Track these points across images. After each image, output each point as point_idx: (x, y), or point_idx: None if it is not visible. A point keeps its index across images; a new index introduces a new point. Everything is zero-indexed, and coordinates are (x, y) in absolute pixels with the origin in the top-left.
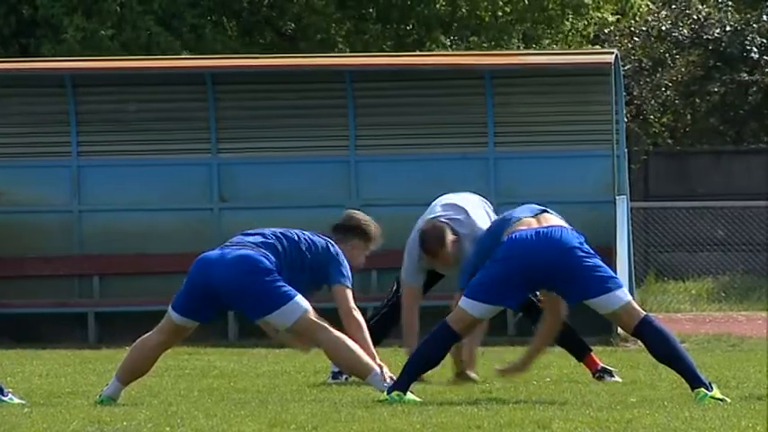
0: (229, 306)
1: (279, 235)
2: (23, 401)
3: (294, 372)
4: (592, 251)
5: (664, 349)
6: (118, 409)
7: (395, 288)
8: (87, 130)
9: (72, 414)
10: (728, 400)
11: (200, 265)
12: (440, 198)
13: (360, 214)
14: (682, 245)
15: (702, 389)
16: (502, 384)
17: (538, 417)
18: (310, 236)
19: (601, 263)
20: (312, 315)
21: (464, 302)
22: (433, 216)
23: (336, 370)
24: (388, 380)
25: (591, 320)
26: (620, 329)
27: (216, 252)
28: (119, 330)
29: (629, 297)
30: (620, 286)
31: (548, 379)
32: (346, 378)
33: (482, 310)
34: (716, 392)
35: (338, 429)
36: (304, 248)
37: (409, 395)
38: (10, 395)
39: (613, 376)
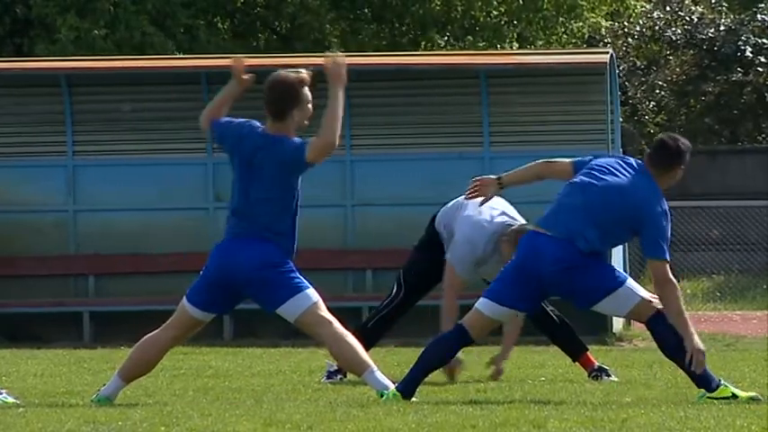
0: (247, 296)
1: (256, 206)
2: (18, 401)
3: (289, 371)
4: (589, 261)
5: (673, 345)
6: (113, 408)
7: (395, 290)
8: (83, 129)
9: (67, 414)
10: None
11: (218, 257)
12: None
13: (273, 83)
14: (677, 244)
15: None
16: (497, 384)
17: (533, 416)
18: (273, 184)
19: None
20: (320, 308)
21: (480, 303)
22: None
23: (332, 369)
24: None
25: (586, 320)
26: (615, 329)
27: (230, 242)
28: (114, 330)
29: (641, 293)
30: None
31: (543, 378)
32: (341, 377)
33: (496, 312)
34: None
35: (333, 429)
36: (277, 197)
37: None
38: (4, 394)
39: (610, 375)
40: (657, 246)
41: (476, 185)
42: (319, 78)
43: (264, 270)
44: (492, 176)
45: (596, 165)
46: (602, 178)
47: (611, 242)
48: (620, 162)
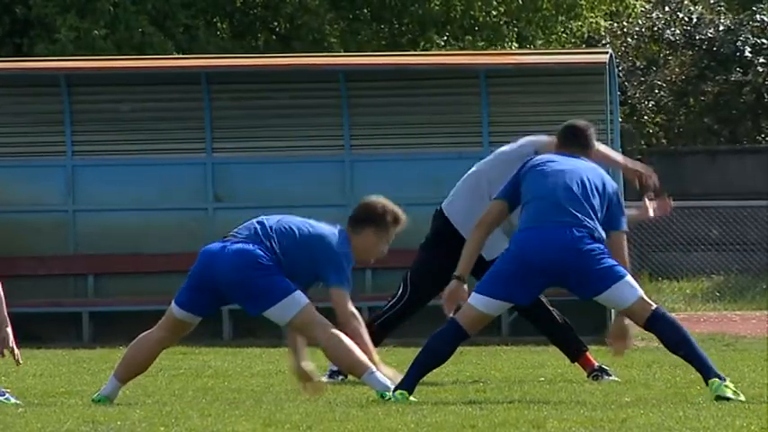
0: (230, 299)
1: (275, 228)
2: (18, 401)
3: (289, 371)
4: (599, 246)
5: (676, 340)
6: (112, 408)
7: (400, 290)
8: (82, 129)
9: (66, 414)
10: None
11: (203, 259)
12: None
13: (373, 200)
14: (676, 244)
15: (716, 379)
16: (496, 384)
17: (532, 416)
18: (311, 228)
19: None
20: (312, 311)
21: (473, 298)
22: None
23: (334, 369)
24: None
25: (586, 320)
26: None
27: (217, 245)
28: (113, 330)
29: (640, 291)
30: (624, 277)
31: (542, 378)
32: (342, 378)
33: (490, 306)
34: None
35: (332, 429)
36: (300, 242)
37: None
38: (7, 395)
39: (610, 375)
40: (622, 218)
41: (450, 303)
42: (309, 78)
43: (247, 271)
44: (452, 285)
45: (543, 162)
46: (566, 170)
47: (602, 225)
48: (557, 154)
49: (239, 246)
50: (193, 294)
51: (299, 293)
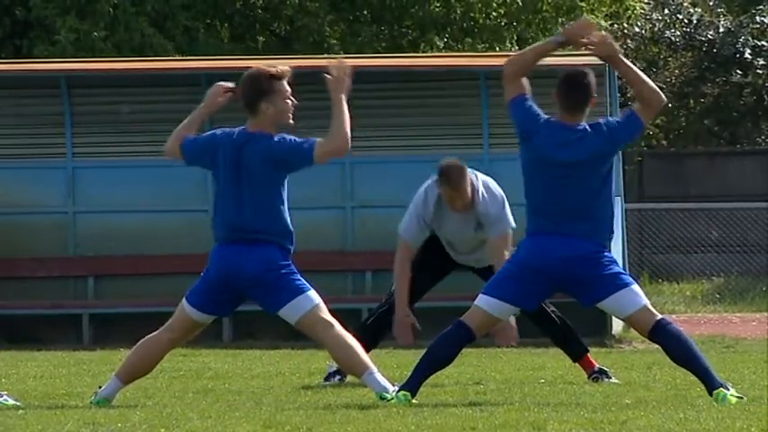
0: (249, 297)
1: None
2: (18, 402)
3: (289, 373)
4: (607, 255)
5: (681, 352)
6: (112, 410)
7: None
8: (82, 131)
9: (67, 415)
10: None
11: (219, 260)
12: None
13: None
14: (676, 246)
15: (722, 389)
16: (497, 386)
17: (533, 418)
18: None
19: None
20: (321, 310)
21: (480, 300)
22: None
23: (332, 370)
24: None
25: (586, 321)
26: (614, 330)
27: (231, 245)
28: (114, 332)
29: (645, 300)
30: (629, 286)
31: (542, 380)
32: (340, 378)
33: (495, 307)
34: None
35: (333, 431)
36: None
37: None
38: (5, 396)
39: (610, 377)
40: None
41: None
42: (309, 80)
43: (269, 272)
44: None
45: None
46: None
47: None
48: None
49: (256, 246)
50: (211, 295)
51: (310, 293)
